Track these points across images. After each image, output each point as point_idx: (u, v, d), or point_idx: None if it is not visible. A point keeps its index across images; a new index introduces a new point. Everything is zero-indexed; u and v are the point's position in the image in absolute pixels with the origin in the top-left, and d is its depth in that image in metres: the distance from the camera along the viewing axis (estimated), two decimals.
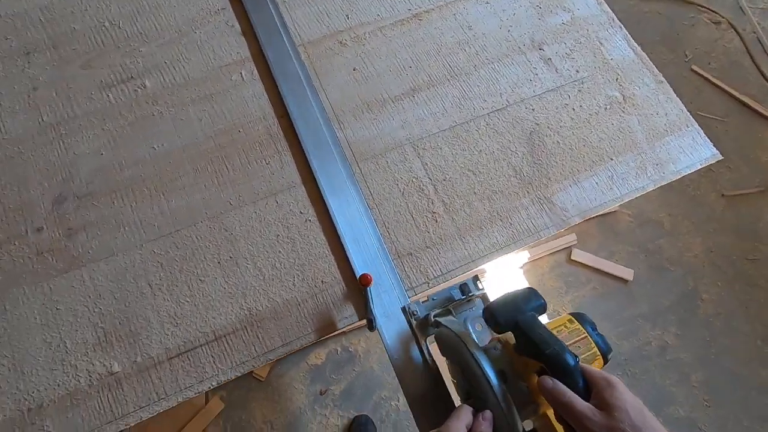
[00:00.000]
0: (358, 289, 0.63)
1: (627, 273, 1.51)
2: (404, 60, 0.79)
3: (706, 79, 1.90)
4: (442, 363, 0.56)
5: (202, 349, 0.59)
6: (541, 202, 0.70)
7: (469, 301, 0.60)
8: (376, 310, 0.60)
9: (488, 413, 0.43)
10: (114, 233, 0.64)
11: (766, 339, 1.45)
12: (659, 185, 0.72)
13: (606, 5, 0.87)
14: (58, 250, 0.63)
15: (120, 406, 0.56)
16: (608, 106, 0.78)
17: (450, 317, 0.57)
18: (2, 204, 0.65)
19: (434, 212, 0.68)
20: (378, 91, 0.76)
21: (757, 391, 1.39)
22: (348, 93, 0.76)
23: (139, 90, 0.73)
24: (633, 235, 1.59)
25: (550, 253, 1.54)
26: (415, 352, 0.59)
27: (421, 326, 0.59)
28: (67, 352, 0.58)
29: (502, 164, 0.72)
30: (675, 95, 0.80)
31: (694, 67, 1.93)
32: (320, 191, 0.68)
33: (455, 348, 0.48)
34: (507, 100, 0.77)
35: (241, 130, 0.72)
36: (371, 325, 0.55)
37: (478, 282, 0.61)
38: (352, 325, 0.63)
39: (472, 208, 0.69)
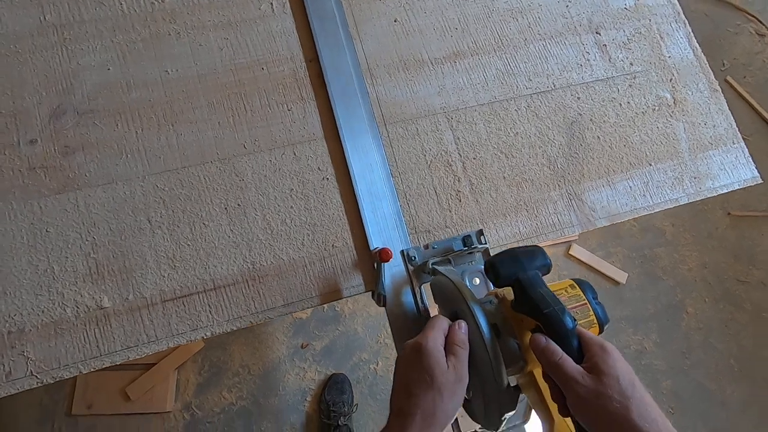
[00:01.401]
0: (369, 258, 0.60)
1: (621, 276, 1.51)
2: (451, 19, 0.72)
3: (739, 93, 1.84)
4: (433, 311, 0.56)
5: (198, 297, 0.56)
6: (571, 198, 0.67)
7: (470, 253, 0.59)
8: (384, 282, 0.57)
9: (463, 323, 0.44)
10: (115, 159, 0.59)
11: (739, 359, 1.49)
12: (693, 200, 0.69)
13: None
14: (52, 168, 0.58)
15: (107, 342, 0.53)
16: (657, 108, 0.73)
17: (449, 267, 0.56)
18: None
19: (459, 191, 0.64)
20: (418, 49, 0.70)
21: (719, 406, 1.45)
22: (385, 46, 0.69)
23: (155, 3, 0.66)
24: (633, 239, 1.58)
25: (550, 245, 1.52)
26: (408, 297, 0.57)
27: (417, 272, 0.58)
28: (54, 279, 0.54)
29: (537, 152, 0.68)
30: (727, 107, 0.75)
31: (729, 79, 1.87)
32: (343, 149, 0.63)
33: (451, 297, 0.46)
34: (553, 83, 0.71)
35: (264, 68, 0.65)
36: (383, 302, 0.53)
37: (481, 237, 0.60)
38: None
39: (499, 193, 0.65)
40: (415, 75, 0.68)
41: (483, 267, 0.58)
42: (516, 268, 0.43)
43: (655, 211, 0.68)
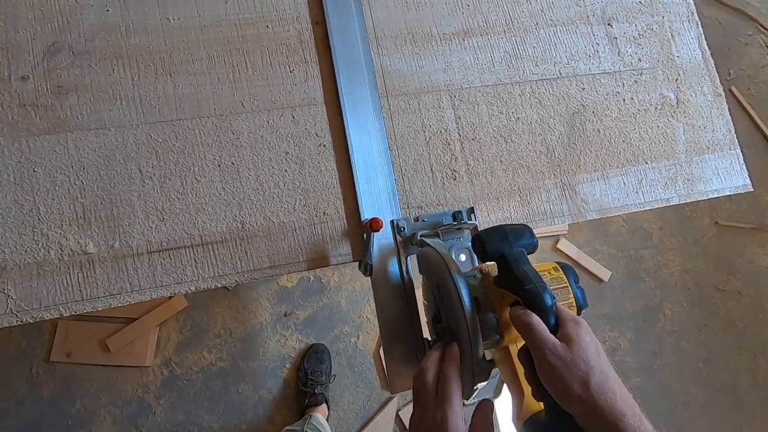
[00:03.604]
0: (359, 228, 0.60)
1: (604, 274, 1.54)
2: None
3: (741, 104, 1.85)
4: (416, 282, 0.57)
5: (185, 251, 0.56)
6: (564, 187, 0.67)
7: (458, 229, 0.59)
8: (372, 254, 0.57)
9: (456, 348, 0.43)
10: (109, 104, 0.58)
11: (707, 363, 1.54)
12: (684, 202, 0.70)
13: None
14: (43, 107, 0.56)
15: (90, 288, 0.53)
16: (659, 106, 0.73)
17: (437, 240, 0.57)
18: None
19: (455, 170, 0.64)
20: (427, 22, 0.68)
21: (682, 406, 1.50)
22: (395, 16, 0.68)
23: None
24: (621, 239, 1.61)
25: (539, 237, 1.54)
26: (394, 268, 0.58)
27: (405, 243, 0.59)
28: (39, 220, 0.54)
29: (537, 139, 0.68)
30: (728, 113, 0.75)
31: (733, 89, 1.87)
32: (342, 117, 0.62)
33: (436, 268, 0.47)
34: (559, 72, 0.71)
35: (269, 26, 0.64)
36: (369, 271, 0.53)
37: (471, 214, 0.61)
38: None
39: (494, 176, 0.65)
40: (422, 49, 0.67)
41: (471, 243, 0.59)
42: (503, 244, 0.44)
43: (645, 209, 0.69)
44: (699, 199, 0.71)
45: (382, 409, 1.32)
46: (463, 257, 0.58)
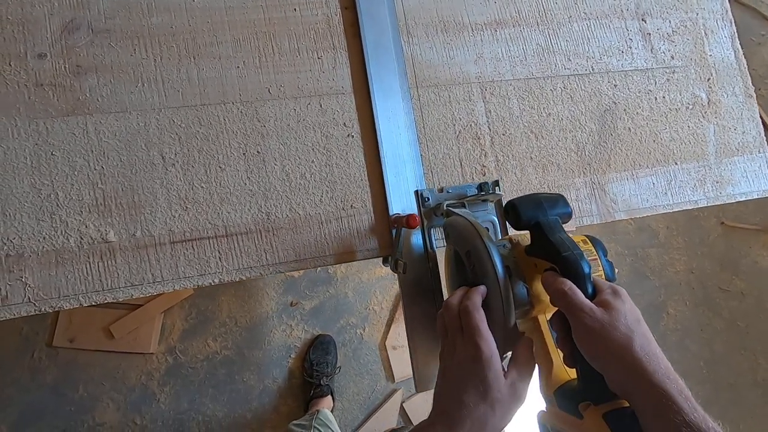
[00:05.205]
0: (386, 222, 0.58)
1: None
2: None
3: None
4: (438, 255, 0.57)
5: (209, 242, 0.54)
6: (594, 187, 0.66)
7: (483, 201, 0.59)
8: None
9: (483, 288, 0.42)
10: (130, 87, 0.55)
11: (709, 362, 1.55)
12: (712, 204, 0.69)
13: None
14: (61, 87, 0.54)
15: (110, 277, 0.51)
16: (691, 106, 0.71)
17: (464, 209, 0.56)
18: None
19: (484, 166, 0.63)
20: (459, 11, 0.66)
21: None
22: (426, 3, 0.65)
23: None
24: (628, 237, 1.60)
25: None
26: (417, 238, 0.57)
27: (428, 214, 0.58)
28: (58, 206, 0.52)
29: (567, 136, 0.66)
30: (759, 115, 0.74)
31: None
32: (371, 107, 0.60)
33: (467, 236, 0.45)
34: (592, 67, 0.69)
35: (296, 10, 0.61)
36: (404, 269, 0.51)
37: (496, 186, 0.60)
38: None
39: (524, 173, 0.64)
40: (454, 38, 0.65)
41: (495, 216, 0.58)
42: (537, 212, 0.43)
43: (674, 210, 0.68)
44: (727, 201, 0.70)
45: (387, 400, 1.32)
46: (487, 229, 0.56)
